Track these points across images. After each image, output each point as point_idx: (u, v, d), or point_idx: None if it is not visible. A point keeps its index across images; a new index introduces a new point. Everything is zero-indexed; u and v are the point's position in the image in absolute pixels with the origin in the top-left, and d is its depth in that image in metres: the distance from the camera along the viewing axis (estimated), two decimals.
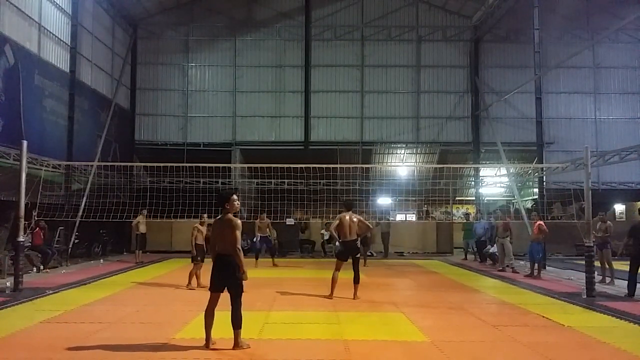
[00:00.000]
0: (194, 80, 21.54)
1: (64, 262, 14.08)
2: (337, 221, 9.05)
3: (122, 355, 5.38)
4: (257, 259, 14.27)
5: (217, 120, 21.38)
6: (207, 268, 9.14)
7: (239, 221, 5.69)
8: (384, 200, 22.85)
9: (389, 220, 17.72)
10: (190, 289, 9.83)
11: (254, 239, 14.73)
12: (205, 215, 10.41)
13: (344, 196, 16.84)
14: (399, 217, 22.44)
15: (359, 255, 9.31)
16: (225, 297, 5.68)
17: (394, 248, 18.43)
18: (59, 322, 7.01)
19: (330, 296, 8.90)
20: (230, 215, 5.75)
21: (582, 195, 10.26)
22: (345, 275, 9.09)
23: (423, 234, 19.70)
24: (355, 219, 9.06)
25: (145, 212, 14.85)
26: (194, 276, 10.05)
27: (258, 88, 21.39)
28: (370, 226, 10.25)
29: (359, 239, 9.46)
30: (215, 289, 5.68)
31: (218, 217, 5.84)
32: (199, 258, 9.99)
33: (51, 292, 9.34)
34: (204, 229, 10.20)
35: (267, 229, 14.60)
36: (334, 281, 8.98)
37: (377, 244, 17.78)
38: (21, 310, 7.86)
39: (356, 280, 8.99)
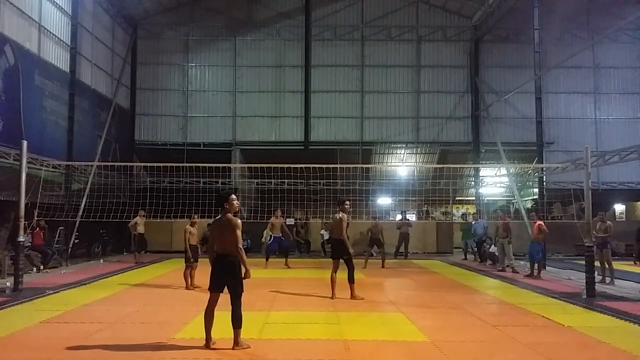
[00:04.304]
0: (194, 80, 21.54)
1: (64, 262, 14.08)
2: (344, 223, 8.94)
3: (122, 355, 5.39)
4: (267, 259, 14.00)
5: (217, 120, 21.38)
6: (201, 269, 9.24)
7: (239, 221, 5.71)
8: (384, 200, 22.85)
9: (407, 221, 17.52)
10: (189, 290, 9.82)
11: (269, 240, 14.18)
12: (197, 216, 10.37)
13: (344, 196, 16.82)
14: (399, 217, 22.41)
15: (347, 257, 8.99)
16: (225, 297, 5.68)
17: (393, 248, 18.31)
18: (59, 322, 7.01)
19: (332, 296, 8.90)
20: (230, 215, 5.75)
21: (582, 195, 10.26)
22: (343, 274, 9.05)
23: (423, 234, 19.68)
24: (337, 218, 8.96)
25: (143, 212, 14.83)
26: (189, 277, 10.02)
27: (258, 88, 21.39)
28: (342, 227, 8.90)
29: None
30: (215, 289, 5.69)
31: (217, 218, 5.83)
32: (192, 259, 9.98)
33: (51, 292, 9.33)
34: (195, 229, 10.19)
35: (280, 229, 13.99)
36: (332, 281, 9.00)
37: (391, 245, 17.48)
38: (21, 310, 7.85)
39: (348, 280, 8.93)
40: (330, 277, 9.04)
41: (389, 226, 16.01)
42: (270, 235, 14.05)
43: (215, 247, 5.76)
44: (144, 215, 14.80)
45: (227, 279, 5.61)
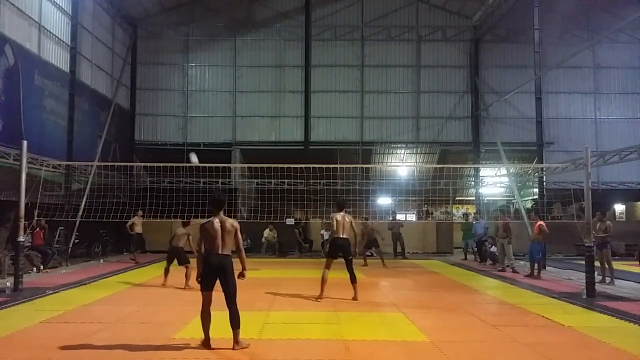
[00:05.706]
0: (194, 80, 21.55)
1: (64, 262, 14.07)
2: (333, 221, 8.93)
3: (122, 355, 5.38)
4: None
5: (217, 120, 21.39)
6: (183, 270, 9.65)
7: (236, 222, 5.76)
8: (384, 200, 22.83)
9: (397, 221, 17.58)
10: (189, 290, 9.78)
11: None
12: (191, 218, 10.44)
13: (344, 196, 16.81)
14: (399, 217, 22.43)
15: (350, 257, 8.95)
16: (222, 298, 5.66)
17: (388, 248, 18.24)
18: (59, 322, 7.01)
19: (320, 297, 8.72)
20: (225, 216, 5.76)
21: (582, 195, 10.25)
22: (344, 275, 9.04)
23: (423, 234, 19.67)
24: (347, 219, 8.91)
25: (141, 212, 14.82)
26: (190, 276, 10.01)
27: (258, 88, 21.40)
28: (353, 227, 9.14)
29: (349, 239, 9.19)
30: (208, 287, 5.63)
31: (211, 218, 5.76)
32: (189, 261, 10.00)
33: (51, 292, 9.33)
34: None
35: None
36: (323, 281, 8.80)
37: (387, 245, 17.50)
38: (21, 310, 7.85)
39: (352, 280, 8.83)
40: (322, 275, 8.80)
41: (381, 227, 16.02)
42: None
43: (208, 248, 5.69)
44: (142, 215, 14.80)
45: (221, 278, 5.58)
